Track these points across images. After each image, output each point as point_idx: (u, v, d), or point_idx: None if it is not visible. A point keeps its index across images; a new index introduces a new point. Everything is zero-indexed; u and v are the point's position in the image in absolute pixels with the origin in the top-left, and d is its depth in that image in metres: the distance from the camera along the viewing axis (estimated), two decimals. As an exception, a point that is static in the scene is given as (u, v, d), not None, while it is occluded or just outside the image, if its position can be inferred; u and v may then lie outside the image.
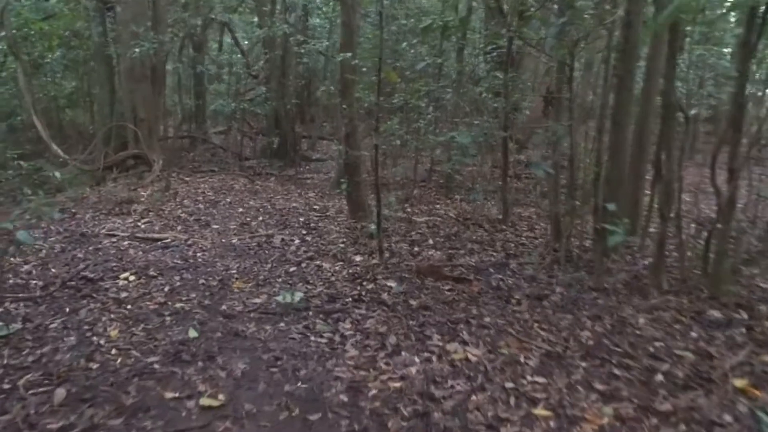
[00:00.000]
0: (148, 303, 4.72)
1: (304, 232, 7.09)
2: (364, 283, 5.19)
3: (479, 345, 3.95)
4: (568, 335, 4.13)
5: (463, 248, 6.38)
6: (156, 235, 7.03)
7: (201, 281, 5.35)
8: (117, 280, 5.30)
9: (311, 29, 19.87)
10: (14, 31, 11.39)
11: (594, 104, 10.69)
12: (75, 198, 9.25)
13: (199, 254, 6.27)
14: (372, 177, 10.09)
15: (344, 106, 6.91)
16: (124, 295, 4.91)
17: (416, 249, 6.29)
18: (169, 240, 6.84)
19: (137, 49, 9.66)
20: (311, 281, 5.31)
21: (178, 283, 5.27)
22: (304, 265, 5.80)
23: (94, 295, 4.86)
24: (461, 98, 9.21)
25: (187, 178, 10.85)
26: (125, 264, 5.85)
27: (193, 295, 4.95)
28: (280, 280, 5.38)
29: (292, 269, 5.68)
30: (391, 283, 5.16)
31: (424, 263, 5.64)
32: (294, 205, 8.79)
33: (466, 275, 5.40)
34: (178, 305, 4.69)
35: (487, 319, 4.39)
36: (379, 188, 5.83)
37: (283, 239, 6.77)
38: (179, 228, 7.40)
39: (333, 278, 5.37)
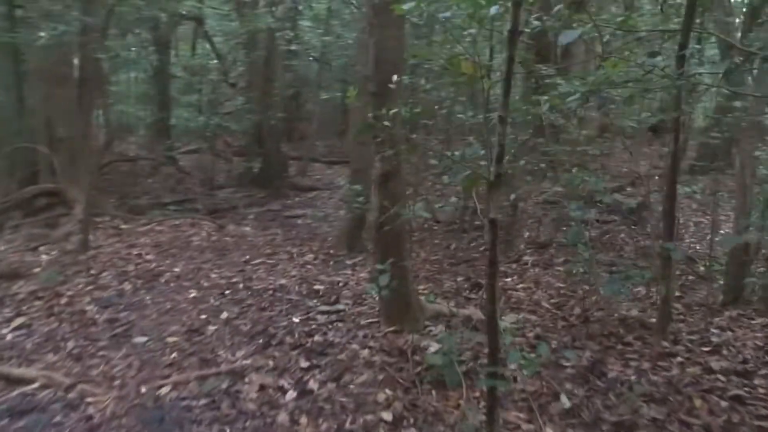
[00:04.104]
0: None
1: (303, 362, 3.70)
2: None
3: None
4: None
5: (635, 422, 3.06)
6: (17, 371, 3.63)
7: None
8: None
9: (301, 33, 16.63)
10: None
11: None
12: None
13: (80, 442, 2.90)
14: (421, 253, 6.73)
15: (384, 121, 3.58)
16: None
17: (549, 432, 2.95)
18: (36, 385, 3.45)
19: (43, 33, 6.30)
20: None
21: None
22: (311, 500, 2.45)
23: None
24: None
25: (124, 225, 7.43)
26: None
27: None
28: None
29: None
30: None
31: None
32: (282, 281, 5.41)
33: None
34: None
35: None
36: (497, 311, 2.50)
37: (262, 386, 3.40)
38: (71, 346, 4.01)
39: None
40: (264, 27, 11.49)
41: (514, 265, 6.48)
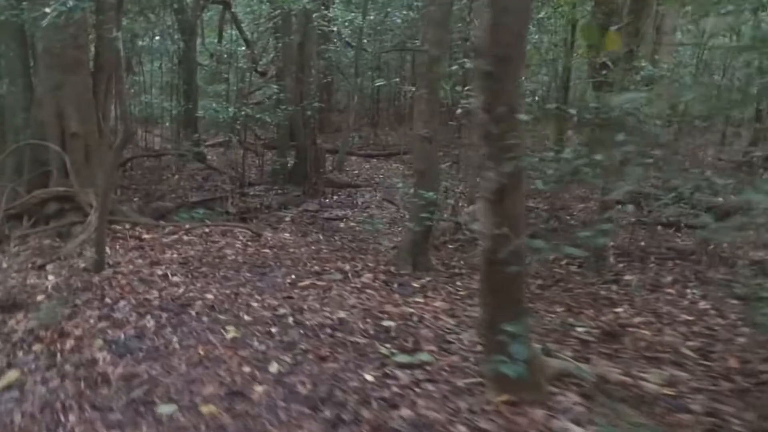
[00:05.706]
0: None
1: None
2: None
3: None
4: None
5: None
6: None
7: None
8: None
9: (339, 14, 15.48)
10: None
11: None
12: None
13: None
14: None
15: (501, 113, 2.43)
16: None
17: None
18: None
19: (48, 9, 5.27)
20: None
21: None
22: None
23: None
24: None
25: (146, 235, 6.41)
26: None
27: None
28: None
29: None
30: None
31: None
32: (341, 314, 4.33)
33: None
34: None
35: None
36: None
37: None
38: (72, 422, 2.96)
39: None
40: (296, 3, 10.38)
41: (614, 287, 5.34)
